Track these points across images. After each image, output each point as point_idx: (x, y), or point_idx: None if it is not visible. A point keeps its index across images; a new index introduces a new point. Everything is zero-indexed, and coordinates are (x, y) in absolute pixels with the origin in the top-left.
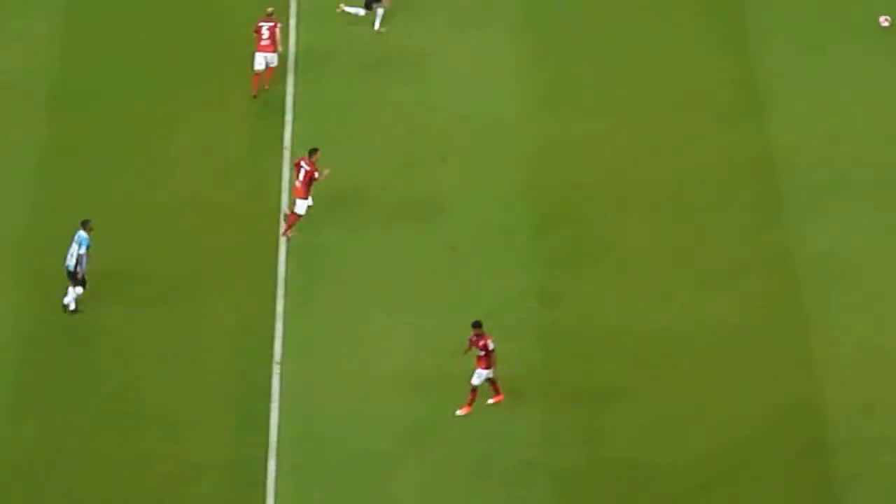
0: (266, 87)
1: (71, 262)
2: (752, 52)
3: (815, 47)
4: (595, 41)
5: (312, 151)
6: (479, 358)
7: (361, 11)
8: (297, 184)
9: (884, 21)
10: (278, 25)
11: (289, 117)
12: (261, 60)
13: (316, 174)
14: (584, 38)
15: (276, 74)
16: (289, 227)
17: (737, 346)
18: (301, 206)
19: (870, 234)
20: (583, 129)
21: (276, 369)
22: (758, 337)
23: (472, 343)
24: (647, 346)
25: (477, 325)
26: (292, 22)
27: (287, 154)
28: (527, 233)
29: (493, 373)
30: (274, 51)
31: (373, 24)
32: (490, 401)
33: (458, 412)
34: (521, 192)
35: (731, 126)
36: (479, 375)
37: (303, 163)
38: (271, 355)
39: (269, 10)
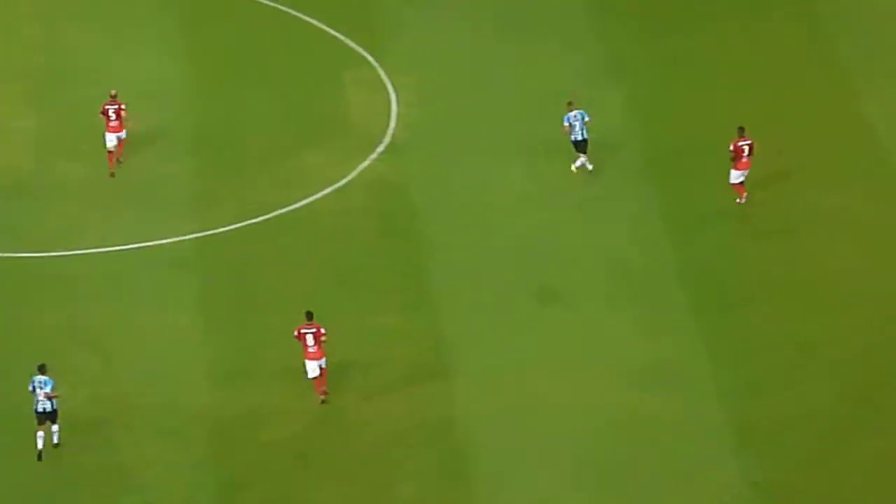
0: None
1: (47, 404)
2: None
3: None
4: None
5: None
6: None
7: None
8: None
9: None
10: (122, 106)
11: None
12: (112, 139)
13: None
14: None
15: None
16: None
17: None
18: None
19: None
20: None
21: None
22: None
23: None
24: None
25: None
26: None
27: None
28: None
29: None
30: (121, 129)
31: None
32: None
33: None
34: None
35: None
36: None
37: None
38: None
39: (113, 92)
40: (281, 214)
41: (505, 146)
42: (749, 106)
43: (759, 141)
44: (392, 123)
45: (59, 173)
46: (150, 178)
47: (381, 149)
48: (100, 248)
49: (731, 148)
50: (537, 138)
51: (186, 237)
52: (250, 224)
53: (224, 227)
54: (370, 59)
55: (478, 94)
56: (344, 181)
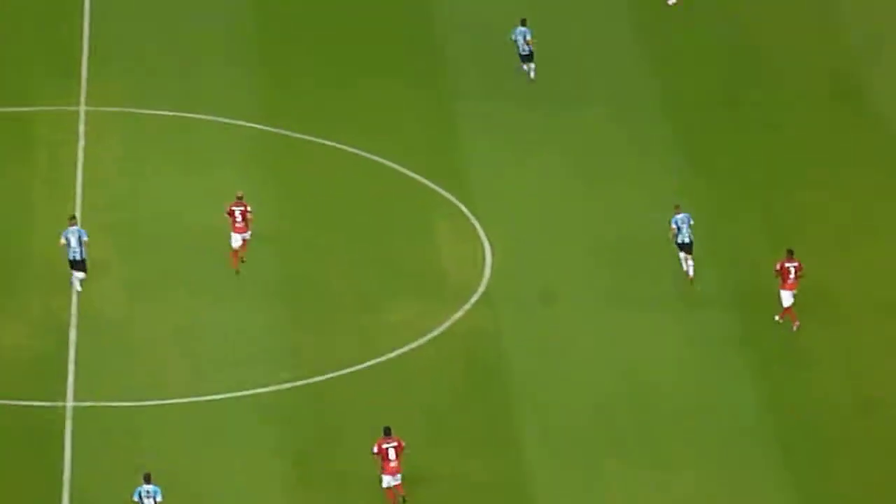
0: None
1: (79, 253)
2: None
3: None
4: None
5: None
6: None
7: None
8: None
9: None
10: (248, 209)
11: None
12: (237, 239)
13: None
14: None
15: None
16: None
17: None
18: None
19: None
20: None
21: None
22: None
23: None
24: None
25: None
26: None
27: None
28: None
29: None
30: (247, 230)
31: None
32: None
33: None
34: None
35: None
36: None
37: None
38: None
39: (239, 193)
40: (373, 365)
41: (597, 294)
42: None
43: None
44: (486, 272)
45: (149, 321)
46: (242, 327)
47: (474, 298)
48: (191, 397)
49: (777, 268)
50: (631, 291)
51: (279, 387)
52: (342, 374)
53: (317, 377)
54: (463, 208)
55: (571, 243)
56: (437, 332)
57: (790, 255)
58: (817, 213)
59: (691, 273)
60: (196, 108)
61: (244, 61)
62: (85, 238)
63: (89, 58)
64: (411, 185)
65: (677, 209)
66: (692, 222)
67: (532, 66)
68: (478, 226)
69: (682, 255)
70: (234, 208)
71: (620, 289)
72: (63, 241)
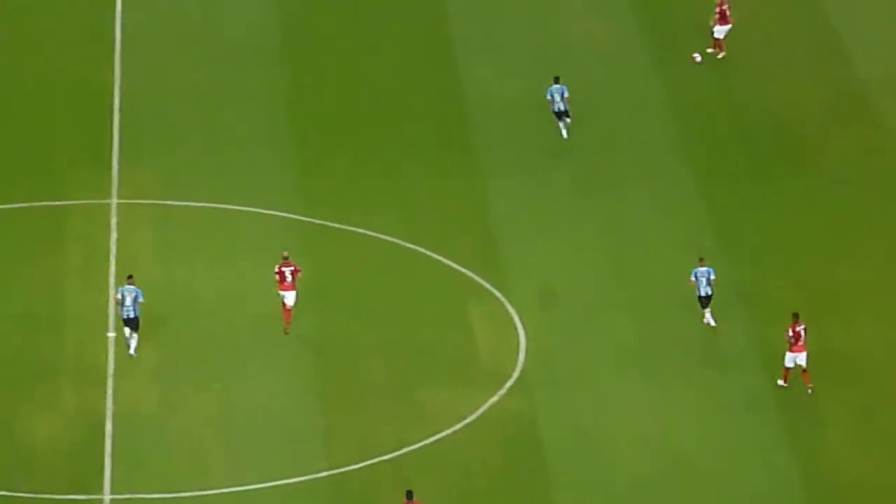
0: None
1: (132, 312)
2: None
3: None
4: None
5: None
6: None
7: None
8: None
9: (697, 57)
10: (297, 268)
11: None
12: (290, 297)
13: None
14: None
15: None
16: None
17: None
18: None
19: None
20: None
21: None
22: None
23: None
24: None
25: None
26: None
27: None
28: None
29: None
30: (294, 289)
31: None
32: None
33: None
34: None
35: None
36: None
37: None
38: None
39: (286, 254)
40: (408, 451)
41: (631, 372)
42: None
43: None
44: (520, 357)
45: (184, 410)
46: (278, 414)
47: (509, 383)
48: (228, 487)
49: (790, 333)
50: (664, 366)
51: (316, 475)
52: (378, 461)
53: (353, 464)
54: (497, 293)
55: (604, 324)
56: (472, 417)
57: (796, 318)
58: (850, 285)
59: (713, 322)
60: (229, 198)
61: (277, 149)
62: (141, 299)
63: (120, 150)
64: (444, 270)
65: (701, 262)
66: (713, 277)
67: (567, 120)
68: (511, 310)
69: (701, 309)
70: (283, 268)
71: (653, 365)
72: (118, 296)
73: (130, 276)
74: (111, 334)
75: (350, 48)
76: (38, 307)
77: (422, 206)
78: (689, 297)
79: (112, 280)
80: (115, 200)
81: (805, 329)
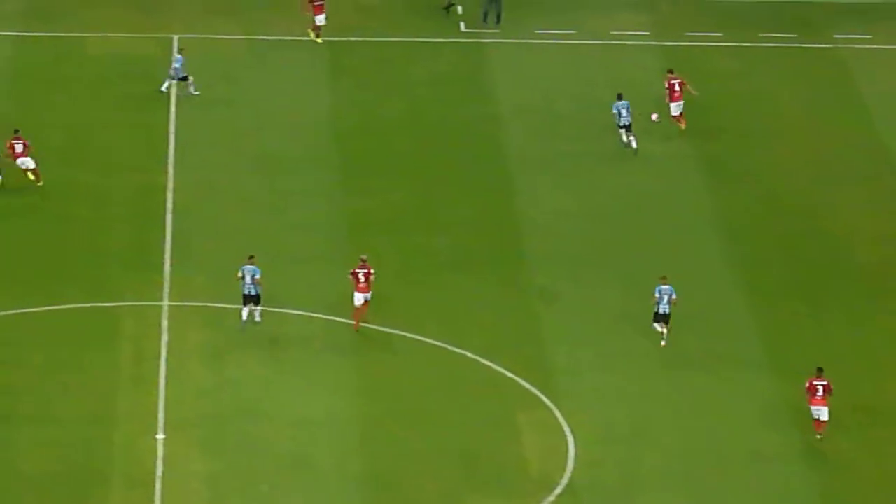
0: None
1: (253, 289)
2: None
3: None
4: None
5: None
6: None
7: None
8: None
9: (655, 118)
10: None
11: None
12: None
13: None
14: None
15: None
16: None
17: None
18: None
19: None
20: None
21: None
22: None
23: None
24: None
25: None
26: None
27: None
28: None
29: None
30: (368, 291)
31: None
32: None
33: None
34: None
35: None
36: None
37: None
38: None
39: (363, 256)
40: None
41: (680, 489)
42: None
43: None
44: (569, 465)
45: None
46: None
47: (558, 490)
48: None
49: (807, 386)
50: (710, 490)
51: None
52: None
53: None
54: (545, 399)
55: (652, 432)
56: None
57: (820, 372)
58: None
59: (663, 343)
60: (279, 302)
61: (328, 256)
62: (258, 276)
63: (172, 252)
64: (492, 376)
65: (663, 280)
66: (674, 297)
67: (633, 137)
68: (560, 417)
69: (656, 325)
70: (357, 271)
71: (699, 475)
72: (239, 275)
73: (252, 257)
74: (160, 436)
75: (403, 159)
76: (90, 408)
77: (470, 312)
78: (739, 410)
79: (162, 381)
80: (166, 303)
81: (825, 387)
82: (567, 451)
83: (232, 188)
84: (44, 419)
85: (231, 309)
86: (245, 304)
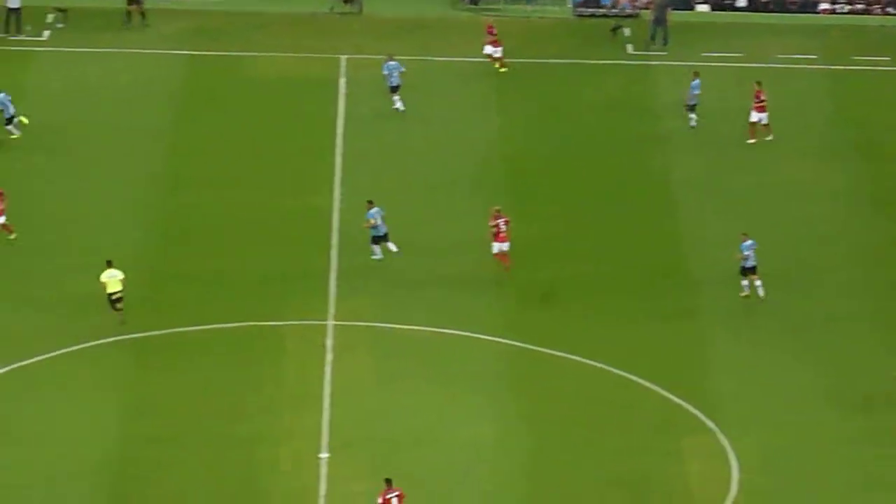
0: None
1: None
2: None
3: None
4: None
5: None
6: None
7: None
8: None
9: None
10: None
11: None
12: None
13: None
14: None
15: None
16: None
17: None
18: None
19: None
20: None
21: None
22: None
23: None
24: None
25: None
26: None
27: None
28: None
29: None
30: (506, 241)
31: None
32: None
33: None
34: None
35: None
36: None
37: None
38: None
39: (497, 207)
40: None
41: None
42: None
43: None
44: (732, 489)
45: None
46: None
47: None
48: None
49: None
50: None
51: None
52: None
53: None
54: (710, 423)
55: (818, 456)
56: None
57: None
58: None
59: (761, 293)
60: (446, 323)
61: (499, 279)
62: (383, 213)
63: (338, 272)
64: (656, 399)
65: (744, 237)
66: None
67: (693, 116)
68: (724, 441)
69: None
70: (497, 221)
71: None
72: (372, 221)
73: (371, 201)
74: (324, 455)
75: (570, 181)
76: (255, 426)
77: (634, 334)
78: None
79: (327, 401)
80: (331, 322)
81: None
82: (730, 475)
83: (398, 208)
84: (209, 437)
85: (398, 329)
86: (379, 243)
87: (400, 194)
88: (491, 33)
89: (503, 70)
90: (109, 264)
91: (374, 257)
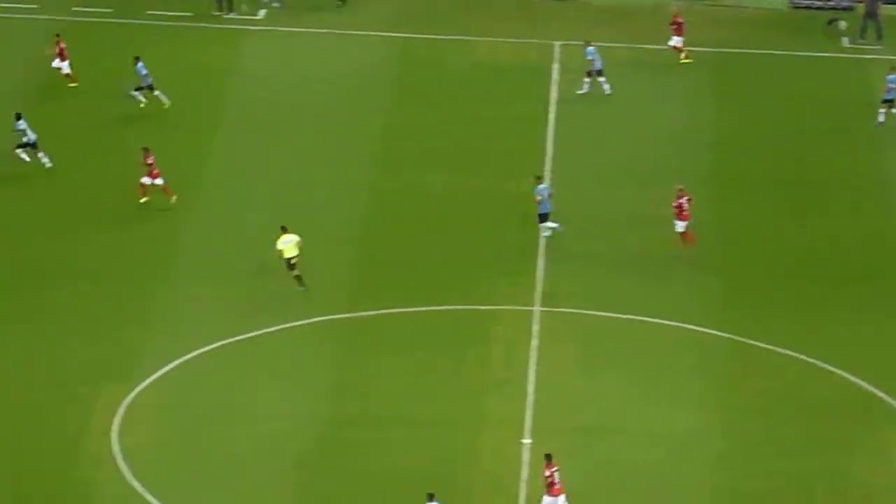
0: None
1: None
2: None
3: None
4: None
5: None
6: None
7: None
8: None
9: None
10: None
11: None
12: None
13: None
14: None
15: None
16: None
17: None
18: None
19: None
20: None
21: None
22: None
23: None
24: None
25: None
26: None
27: None
28: None
29: None
30: (689, 218)
31: None
32: None
33: None
34: None
35: None
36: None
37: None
38: None
39: (680, 186)
40: None
41: None
42: None
43: None
44: None
45: None
46: None
47: None
48: None
49: None
50: None
51: None
52: None
53: None
54: None
55: None
56: None
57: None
58: None
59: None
60: (652, 312)
61: (707, 266)
62: (550, 191)
63: (546, 258)
64: (860, 393)
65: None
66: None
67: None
68: None
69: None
70: (681, 201)
71: None
72: (539, 197)
73: (539, 177)
74: (526, 441)
75: (779, 172)
76: (459, 410)
77: (839, 327)
78: None
79: (531, 387)
80: (537, 308)
81: None
82: None
83: (603, 196)
84: (414, 420)
85: (605, 317)
86: (542, 221)
87: (605, 180)
88: (676, 23)
89: (686, 61)
90: (284, 230)
91: (543, 234)
